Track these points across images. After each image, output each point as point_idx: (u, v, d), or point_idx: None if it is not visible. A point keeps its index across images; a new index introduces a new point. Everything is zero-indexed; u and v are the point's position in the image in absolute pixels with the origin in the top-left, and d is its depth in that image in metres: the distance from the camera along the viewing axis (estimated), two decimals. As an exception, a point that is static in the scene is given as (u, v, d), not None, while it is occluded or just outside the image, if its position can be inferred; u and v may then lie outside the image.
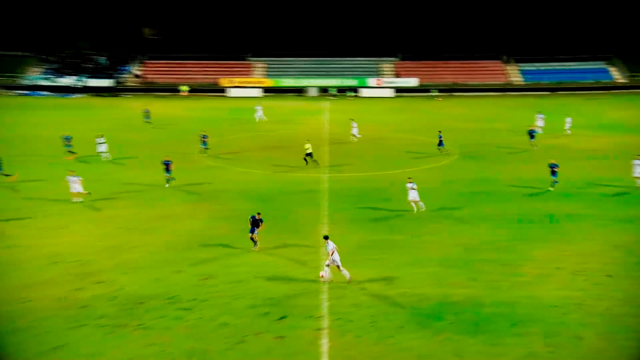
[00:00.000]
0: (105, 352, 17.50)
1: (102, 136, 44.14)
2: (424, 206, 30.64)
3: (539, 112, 55.70)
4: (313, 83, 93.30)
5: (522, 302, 20.56)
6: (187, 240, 26.65)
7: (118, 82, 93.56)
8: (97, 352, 17.50)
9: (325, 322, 19.29)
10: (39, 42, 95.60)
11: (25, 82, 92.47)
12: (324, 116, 68.33)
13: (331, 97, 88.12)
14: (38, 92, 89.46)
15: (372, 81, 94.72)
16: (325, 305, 20.46)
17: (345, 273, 21.97)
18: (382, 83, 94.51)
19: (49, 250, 25.33)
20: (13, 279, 22.53)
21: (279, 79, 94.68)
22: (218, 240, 26.82)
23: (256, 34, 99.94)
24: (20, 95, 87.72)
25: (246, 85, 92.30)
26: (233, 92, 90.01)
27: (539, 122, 54.38)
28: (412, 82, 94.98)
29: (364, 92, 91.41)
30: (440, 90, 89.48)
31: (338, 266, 21.92)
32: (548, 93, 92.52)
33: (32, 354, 17.39)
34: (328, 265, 22.08)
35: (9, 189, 35.66)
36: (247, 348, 17.77)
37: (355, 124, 52.70)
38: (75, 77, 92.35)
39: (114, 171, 40.60)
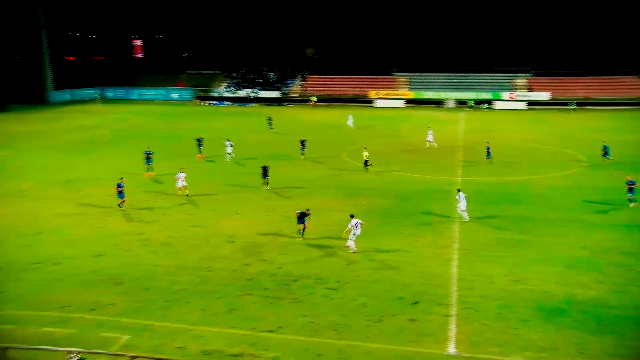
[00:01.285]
0: (266, 317, 18.36)
1: (229, 139, 44.60)
2: (467, 217, 28.18)
3: None
4: (451, 96, 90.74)
5: (649, 308, 18.56)
6: (337, 229, 27.06)
7: (283, 94, 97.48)
8: (260, 317, 18.41)
9: (453, 310, 18.75)
10: (227, 62, 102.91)
11: (214, 94, 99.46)
12: (460, 125, 66.28)
13: (467, 109, 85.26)
14: (222, 102, 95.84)
15: (506, 95, 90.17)
16: (454, 295, 19.88)
17: (352, 244, 23.81)
18: (516, 97, 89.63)
19: (226, 232, 26.96)
20: (201, 251, 24.30)
21: (420, 92, 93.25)
22: (362, 231, 26.95)
23: (402, 51, 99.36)
24: (209, 104, 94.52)
25: (391, 97, 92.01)
26: (379, 103, 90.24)
27: None
28: (545, 96, 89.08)
29: (498, 105, 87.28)
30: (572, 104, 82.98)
31: (354, 237, 23.86)
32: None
33: (214, 312, 18.71)
34: (351, 239, 23.82)
35: (156, 181, 37.20)
36: (383, 327, 17.75)
37: (431, 131, 49.99)
38: (250, 90, 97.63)
39: (276, 167, 42.08)
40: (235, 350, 16.37)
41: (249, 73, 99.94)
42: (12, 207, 30.96)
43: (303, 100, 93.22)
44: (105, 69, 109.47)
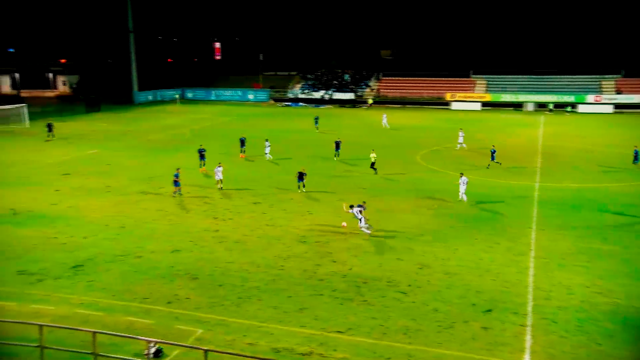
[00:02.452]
0: (335, 318, 18.40)
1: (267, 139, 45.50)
2: (465, 198, 31.36)
3: None
4: (530, 99, 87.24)
5: None
6: (410, 232, 26.78)
7: (357, 95, 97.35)
8: (329, 317, 18.47)
9: (529, 320, 18.02)
10: (302, 64, 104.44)
11: (290, 95, 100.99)
12: (539, 129, 63.63)
13: (547, 112, 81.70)
14: (297, 103, 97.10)
15: (590, 97, 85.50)
16: (530, 304, 19.10)
17: (365, 230, 26.28)
18: (602, 99, 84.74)
19: (298, 231, 27.19)
20: (274, 250, 24.70)
21: (498, 94, 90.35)
22: (434, 235, 26.54)
23: (479, 52, 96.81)
24: (284, 106, 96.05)
25: (467, 99, 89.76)
26: (455, 106, 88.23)
27: None
28: (635, 98, 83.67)
29: (582, 108, 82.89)
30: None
31: (360, 225, 26.33)
32: None
33: (285, 310, 18.97)
34: (363, 227, 26.33)
35: (207, 176, 39.19)
36: (455, 333, 17.34)
37: (462, 133, 48.91)
38: (324, 91, 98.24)
39: (350, 168, 42.16)
40: (304, 349, 16.52)
41: (323, 74, 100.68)
42: (100, 202, 32.80)
43: (377, 102, 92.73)
44: (186, 70, 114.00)
